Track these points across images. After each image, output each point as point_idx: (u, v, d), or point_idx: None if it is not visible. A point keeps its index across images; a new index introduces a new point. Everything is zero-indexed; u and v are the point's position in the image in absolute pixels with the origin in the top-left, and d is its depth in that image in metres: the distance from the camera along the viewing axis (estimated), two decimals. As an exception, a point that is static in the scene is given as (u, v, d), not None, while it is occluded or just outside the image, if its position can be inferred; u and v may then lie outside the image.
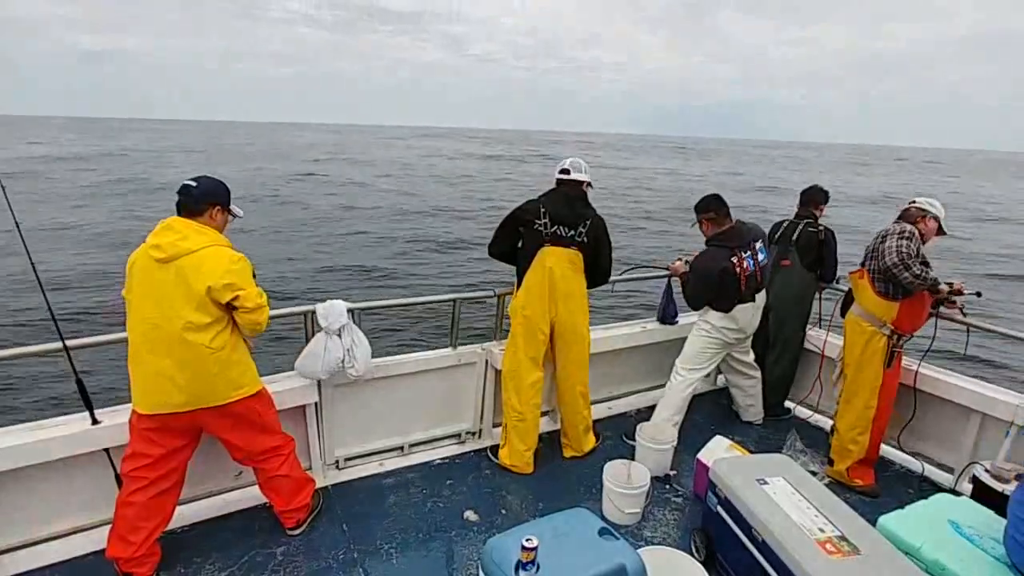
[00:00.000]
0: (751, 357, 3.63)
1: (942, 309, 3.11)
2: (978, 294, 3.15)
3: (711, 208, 3.21)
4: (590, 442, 3.32)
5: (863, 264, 2.98)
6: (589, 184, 3.03)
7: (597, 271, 3.07)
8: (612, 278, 3.26)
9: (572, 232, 2.91)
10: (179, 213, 2.20)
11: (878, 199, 27.50)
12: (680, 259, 3.61)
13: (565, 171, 2.97)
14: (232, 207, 2.33)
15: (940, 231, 3.00)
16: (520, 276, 2.99)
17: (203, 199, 2.21)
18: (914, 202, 3.01)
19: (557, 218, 2.89)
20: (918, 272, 2.71)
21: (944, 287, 2.88)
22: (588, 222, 2.93)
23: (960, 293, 2.99)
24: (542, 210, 2.89)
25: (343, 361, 2.74)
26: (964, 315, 3.08)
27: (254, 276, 2.26)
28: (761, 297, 3.33)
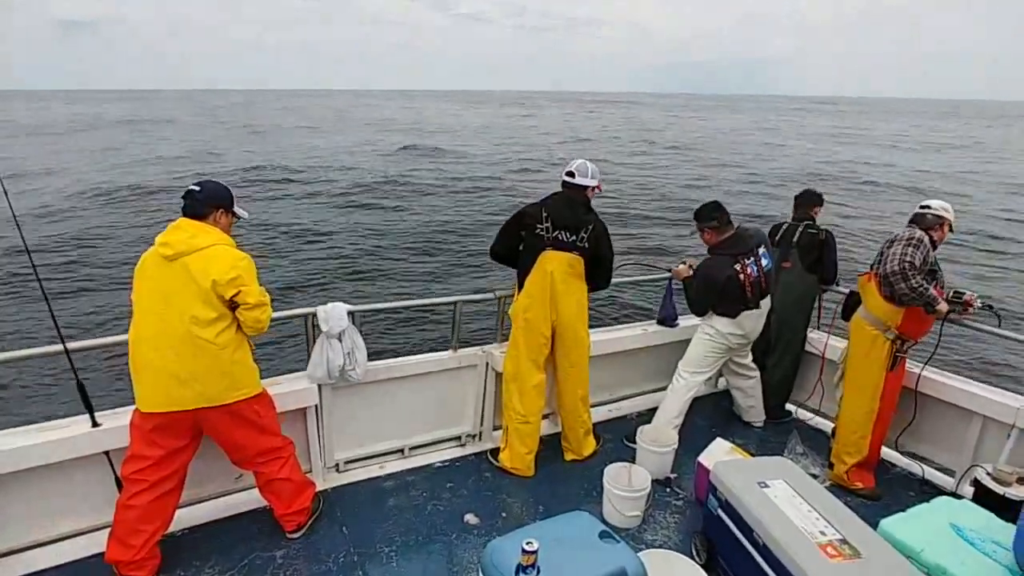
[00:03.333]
0: (750, 358, 3.63)
1: (951, 315, 2.98)
2: (989, 307, 3.02)
3: (714, 216, 3.20)
4: (590, 446, 3.31)
5: (872, 267, 2.97)
6: (598, 188, 2.99)
7: (598, 276, 3.07)
8: (612, 278, 3.26)
9: (574, 237, 2.91)
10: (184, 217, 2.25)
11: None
12: (683, 262, 3.61)
13: (571, 174, 2.96)
14: (236, 208, 2.38)
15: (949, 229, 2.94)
16: (521, 279, 2.99)
17: (207, 203, 2.26)
18: (929, 207, 2.93)
19: (559, 223, 2.89)
20: (915, 285, 2.66)
21: (943, 307, 2.76)
22: (590, 228, 2.92)
23: (970, 306, 2.91)
24: (544, 214, 2.89)
25: (344, 365, 2.75)
26: (994, 316, 2.99)
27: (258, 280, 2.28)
28: (766, 303, 3.32)
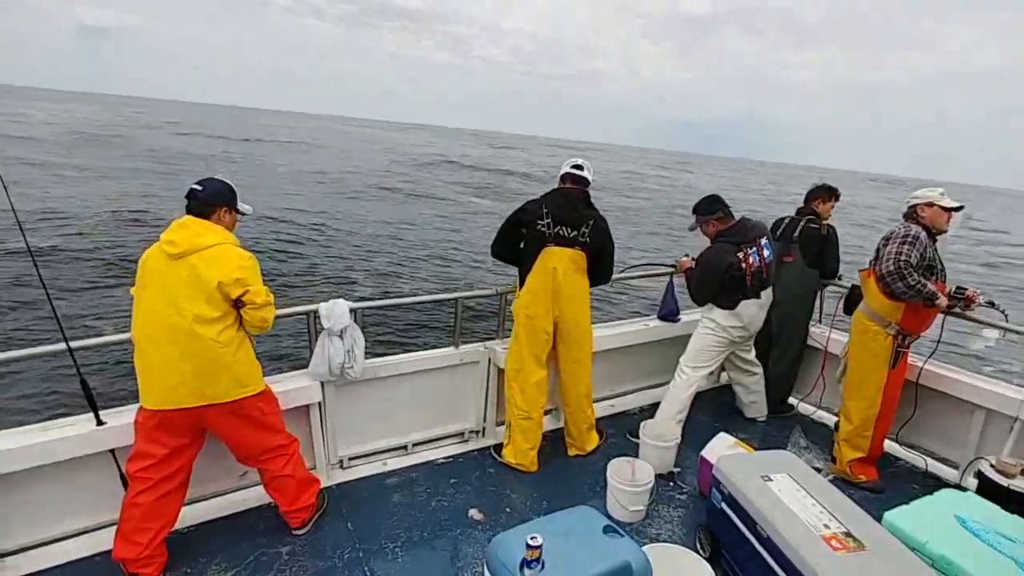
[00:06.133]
0: (753, 354, 3.63)
1: (956, 309, 2.96)
2: (991, 303, 2.98)
3: (716, 208, 3.21)
4: (593, 440, 3.32)
5: (871, 264, 2.96)
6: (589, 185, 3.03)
7: (600, 271, 3.07)
8: (615, 275, 3.26)
9: (575, 232, 2.91)
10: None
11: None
12: (687, 256, 3.61)
13: (578, 167, 2.99)
14: (240, 205, 2.38)
15: (950, 210, 2.81)
16: (522, 276, 2.99)
17: (210, 201, 2.26)
18: (916, 198, 2.89)
19: (560, 218, 2.89)
20: (912, 283, 2.65)
21: (943, 301, 2.73)
22: (591, 222, 2.92)
23: (972, 301, 2.88)
24: (544, 211, 2.89)
25: (344, 363, 2.75)
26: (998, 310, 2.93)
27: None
28: (767, 295, 3.31)
